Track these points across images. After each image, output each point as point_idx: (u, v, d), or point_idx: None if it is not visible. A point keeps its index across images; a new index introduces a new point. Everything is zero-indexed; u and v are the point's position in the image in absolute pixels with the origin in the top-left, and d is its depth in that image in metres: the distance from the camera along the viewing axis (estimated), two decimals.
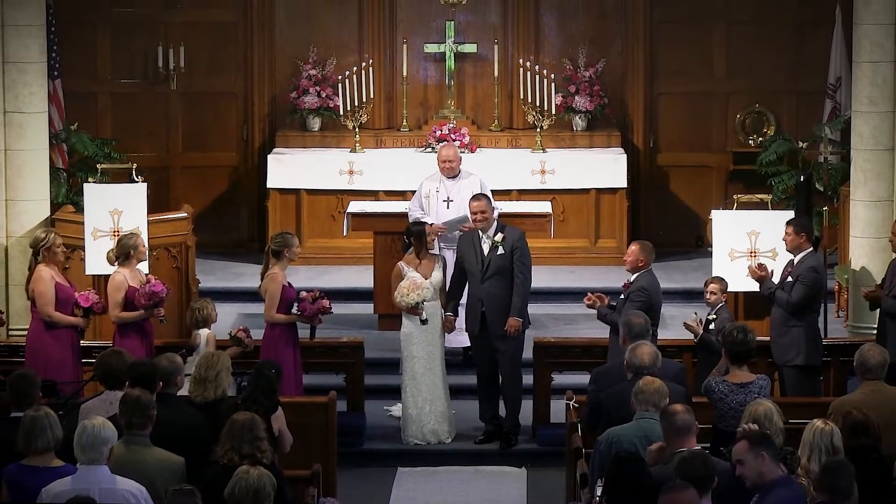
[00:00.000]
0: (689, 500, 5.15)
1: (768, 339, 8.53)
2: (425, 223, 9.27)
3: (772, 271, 8.66)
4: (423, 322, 8.86)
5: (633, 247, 8.59)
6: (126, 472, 5.77)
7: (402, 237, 9.31)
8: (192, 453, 6.21)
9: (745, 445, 5.53)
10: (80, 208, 9.88)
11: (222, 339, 8.48)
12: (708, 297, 8.49)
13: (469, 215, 9.19)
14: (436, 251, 9.28)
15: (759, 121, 12.56)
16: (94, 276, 9.34)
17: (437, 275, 8.97)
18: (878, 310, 8.74)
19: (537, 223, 10.46)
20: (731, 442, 6.28)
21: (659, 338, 8.21)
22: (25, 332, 8.71)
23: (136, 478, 5.73)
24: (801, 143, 11.59)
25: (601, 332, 8.80)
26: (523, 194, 11.60)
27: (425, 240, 8.98)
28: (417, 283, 8.83)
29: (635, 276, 8.46)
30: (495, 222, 9.00)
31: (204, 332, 8.28)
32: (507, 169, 11.72)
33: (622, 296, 8.48)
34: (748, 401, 6.79)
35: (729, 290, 8.73)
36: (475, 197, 9.16)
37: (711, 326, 8.35)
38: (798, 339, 8.41)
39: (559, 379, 9.02)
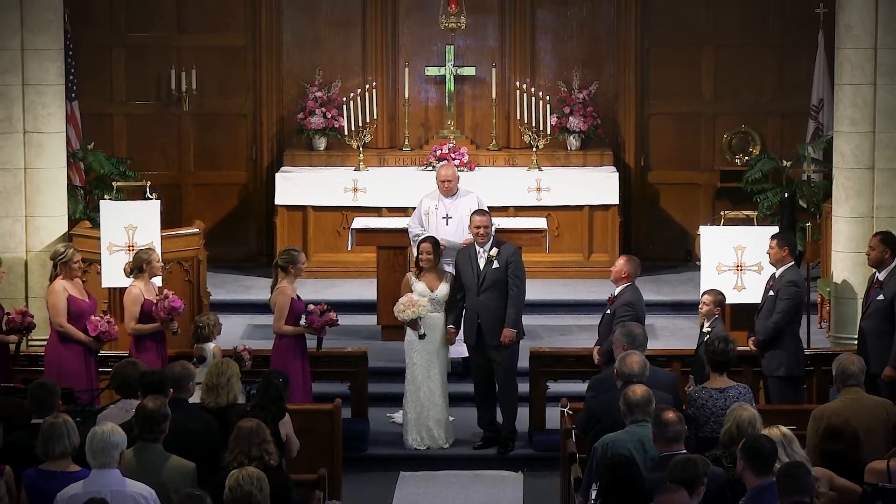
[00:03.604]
0: (681, 501, 5.32)
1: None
2: (431, 236, 9.41)
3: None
4: (421, 337, 9.05)
5: (620, 260, 8.77)
6: (139, 477, 5.87)
7: (406, 251, 9.56)
8: (205, 457, 6.38)
9: (740, 447, 5.70)
10: (96, 224, 9.99)
11: (226, 349, 8.58)
12: (701, 307, 8.56)
13: (469, 232, 9.39)
14: (445, 266, 9.42)
15: (746, 140, 12.76)
16: (109, 288, 9.51)
17: (443, 288, 9.15)
18: (858, 323, 8.93)
19: (533, 238, 10.65)
20: (714, 447, 6.51)
21: (649, 347, 8.16)
22: (45, 343, 8.82)
23: (149, 483, 5.82)
24: (785, 162, 11.69)
25: (594, 342, 8.92)
26: (520, 211, 11.79)
27: (419, 253, 9.12)
28: (414, 300, 9.00)
29: (619, 289, 8.60)
30: (492, 237, 9.19)
31: (210, 345, 8.44)
32: (504, 186, 11.91)
33: (608, 310, 8.63)
34: (728, 405, 6.95)
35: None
36: (478, 212, 9.33)
37: (707, 339, 8.33)
38: (781, 350, 8.58)
39: (554, 387, 9.14)
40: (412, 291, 9.18)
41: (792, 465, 5.72)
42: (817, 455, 6.53)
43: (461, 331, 9.30)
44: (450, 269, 9.57)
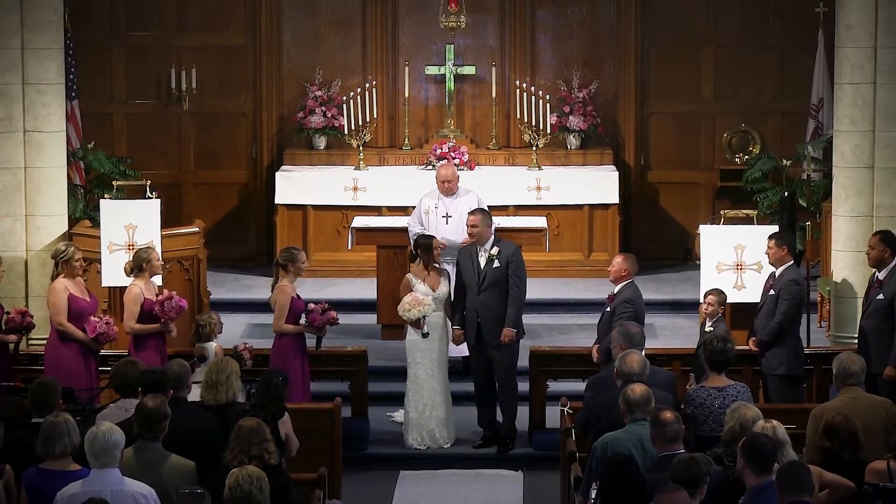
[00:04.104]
0: (682, 500, 5.35)
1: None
2: (433, 236, 9.45)
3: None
4: (425, 336, 9.07)
5: (618, 258, 8.80)
6: (138, 476, 5.89)
7: (406, 250, 9.63)
8: (205, 457, 6.39)
9: (740, 445, 5.72)
10: (96, 223, 10.01)
11: (227, 348, 8.51)
12: (706, 308, 8.60)
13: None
14: (445, 266, 9.44)
15: (745, 140, 12.79)
16: (110, 287, 9.53)
17: (443, 287, 9.17)
18: (858, 322, 8.96)
19: (533, 237, 10.68)
20: (713, 445, 6.54)
21: (648, 346, 8.23)
22: (45, 342, 8.82)
23: (148, 482, 5.83)
24: (785, 161, 11.72)
25: (594, 341, 8.93)
26: (520, 210, 11.82)
27: (433, 252, 9.18)
28: (419, 299, 9.02)
29: (619, 287, 8.64)
30: (492, 237, 9.20)
31: (211, 344, 8.44)
32: (504, 185, 11.94)
33: (607, 308, 8.66)
34: (726, 404, 6.99)
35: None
36: (471, 212, 9.36)
37: (705, 338, 8.30)
38: (781, 349, 8.62)
39: (554, 386, 9.18)
40: (413, 292, 9.18)
41: (793, 464, 5.75)
42: (816, 454, 6.53)
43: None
44: (451, 267, 9.60)
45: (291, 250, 8.98)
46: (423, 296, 9.13)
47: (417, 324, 9.11)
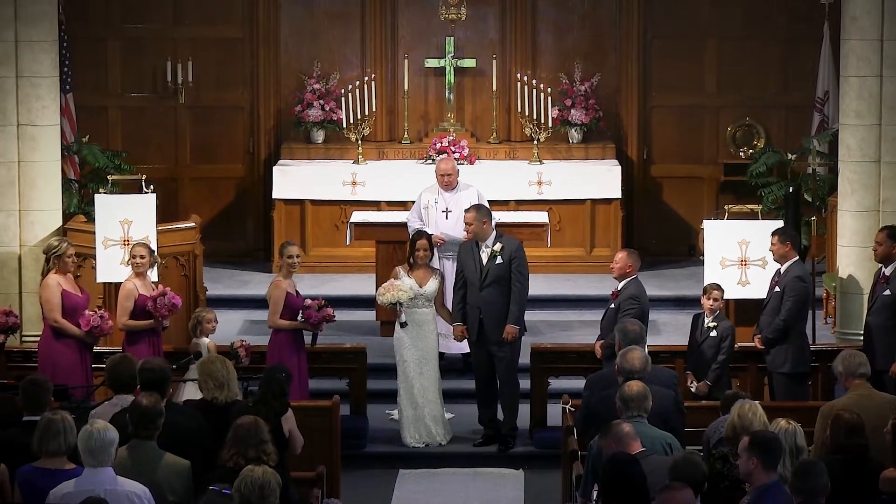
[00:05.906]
0: (686, 499, 5.29)
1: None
2: (424, 233, 9.42)
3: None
4: (403, 325, 9.02)
5: (621, 254, 8.75)
6: (132, 475, 5.84)
7: (406, 246, 9.54)
8: (199, 456, 6.29)
9: (746, 443, 5.63)
10: (91, 218, 10.00)
11: (223, 345, 8.59)
12: (710, 303, 8.54)
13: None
14: (435, 264, 9.41)
15: (750, 133, 12.74)
16: (105, 283, 9.48)
17: (432, 284, 9.14)
18: (864, 319, 8.92)
19: (534, 233, 10.62)
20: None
21: (652, 343, 8.33)
22: (38, 339, 8.81)
23: (143, 481, 5.78)
24: (790, 155, 11.71)
25: (596, 337, 8.89)
26: (521, 205, 11.74)
27: (416, 251, 9.09)
28: (395, 284, 8.98)
29: (622, 283, 8.61)
30: (494, 232, 9.16)
31: (204, 340, 8.41)
32: (505, 180, 11.88)
33: (612, 304, 8.62)
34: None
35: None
36: (467, 209, 9.32)
37: (713, 334, 8.45)
38: (786, 346, 8.57)
39: (555, 383, 9.16)
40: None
41: (809, 462, 5.69)
42: (828, 451, 6.43)
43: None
44: (451, 263, 9.52)
45: (283, 244, 8.96)
46: (401, 282, 9.03)
47: (394, 311, 9.00)
